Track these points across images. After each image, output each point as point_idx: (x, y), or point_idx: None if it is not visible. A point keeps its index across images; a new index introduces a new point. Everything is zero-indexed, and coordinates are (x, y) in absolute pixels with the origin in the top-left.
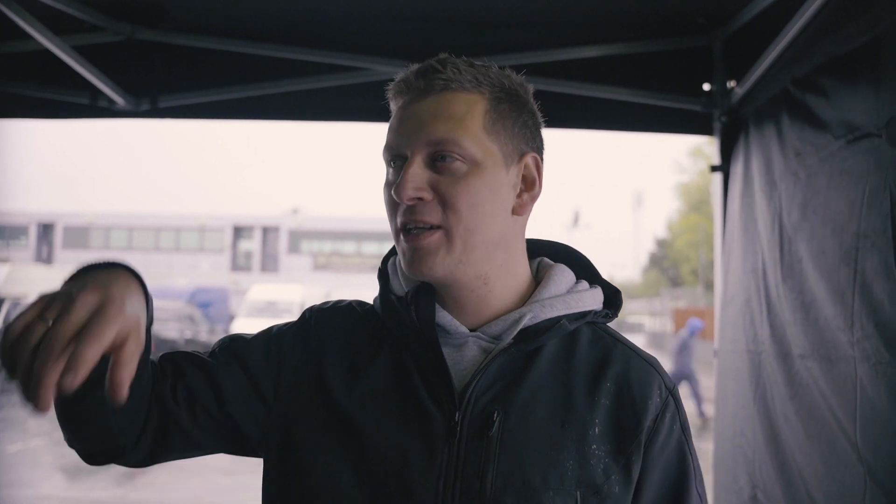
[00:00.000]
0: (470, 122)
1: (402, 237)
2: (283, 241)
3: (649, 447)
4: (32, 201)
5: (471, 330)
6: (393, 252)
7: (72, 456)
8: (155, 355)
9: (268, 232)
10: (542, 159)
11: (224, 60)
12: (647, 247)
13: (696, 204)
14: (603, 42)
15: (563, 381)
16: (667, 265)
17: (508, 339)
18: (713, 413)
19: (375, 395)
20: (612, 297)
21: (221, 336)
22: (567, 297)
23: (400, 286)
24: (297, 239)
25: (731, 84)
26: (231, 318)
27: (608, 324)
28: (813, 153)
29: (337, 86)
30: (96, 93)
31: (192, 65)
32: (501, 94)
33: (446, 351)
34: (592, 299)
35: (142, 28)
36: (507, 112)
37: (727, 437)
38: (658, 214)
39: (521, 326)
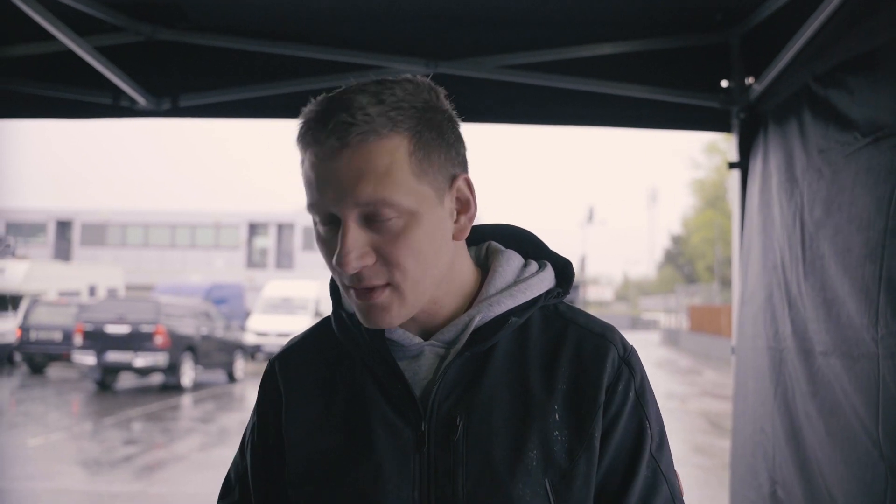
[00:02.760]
0: (397, 173)
1: (351, 293)
2: (297, 238)
3: (605, 417)
4: (50, 199)
5: (423, 338)
6: None
7: (92, 450)
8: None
9: (283, 229)
10: (468, 173)
11: (243, 60)
12: (662, 243)
13: (711, 200)
14: (619, 39)
15: (520, 375)
16: (682, 262)
17: (461, 343)
18: (731, 410)
19: (341, 419)
20: (564, 270)
21: (237, 333)
22: (514, 290)
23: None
24: (311, 236)
25: (750, 80)
26: (247, 314)
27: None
28: (838, 150)
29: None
30: (118, 93)
31: (212, 64)
32: (420, 123)
33: (403, 363)
34: (541, 282)
35: (162, 28)
36: (431, 141)
37: (747, 433)
38: (673, 211)
39: (472, 329)
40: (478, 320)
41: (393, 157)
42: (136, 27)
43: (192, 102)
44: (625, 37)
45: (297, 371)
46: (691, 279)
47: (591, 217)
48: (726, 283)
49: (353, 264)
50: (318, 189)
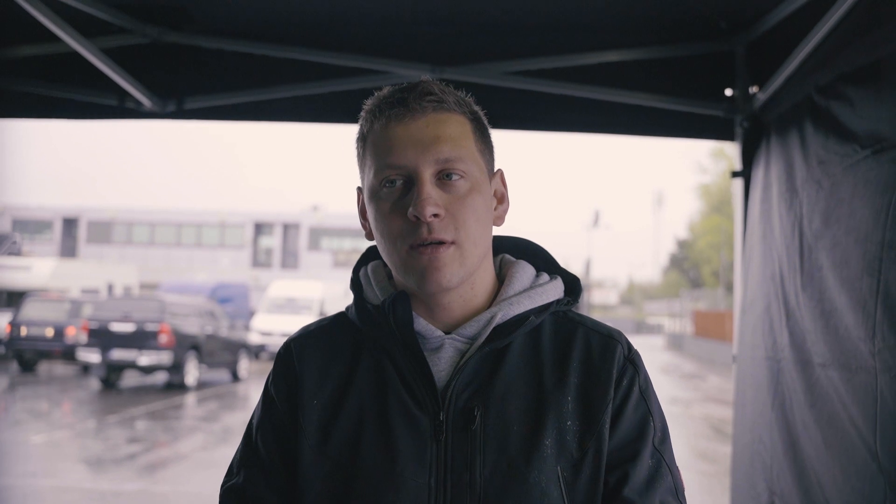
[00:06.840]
0: (465, 141)
1: (414, 251)
2: (303, 238)
3: (612, 409)
4: (56, 199)
5: (444, 332)
6: (363, 262)
7: (95, 448)
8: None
9: (288, 228)
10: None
11: (248, 63)
12: (667, 247)
13: (717, 205)
14: (624, 46)
15: (534, 369)
16: (687, 266)
17: (482, 338)
18: (732, 418)
19: (361, 406)
20: (572, 285)
21: (242, 332)
22: (531, 292)
23: (374, 295)
24: (317, 236)
25: (754, 89)
26: (251, 313)
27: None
28: (837, 162)
29: (360, 88)
30: (123, 94)
31: (218, 67)
32: (474, 116)
33: (424, 354)
34: (554, 290)
35: (168, 30)
36: (482, 133)
37: (745, 442)
38: (679, 215)
39: (494, 324)
40: (499, 317)
41: (462, 129)
42: (142, 29)
43: (197, 105)
44: (629, 44)
45: (313, 355)
46: (696, 284)
47: (596, 220)
48: (731, 288)
49: (431, 209)
50: (395, 148)
